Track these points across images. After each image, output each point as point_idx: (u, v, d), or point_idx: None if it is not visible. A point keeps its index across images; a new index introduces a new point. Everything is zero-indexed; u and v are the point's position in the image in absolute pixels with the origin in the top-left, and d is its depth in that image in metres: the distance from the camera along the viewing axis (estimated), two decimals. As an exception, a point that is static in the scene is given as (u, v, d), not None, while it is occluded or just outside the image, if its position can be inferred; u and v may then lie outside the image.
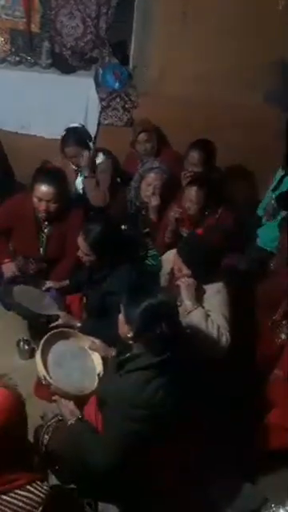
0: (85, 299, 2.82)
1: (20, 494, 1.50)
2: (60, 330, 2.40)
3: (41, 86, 3.80)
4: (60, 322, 2.58)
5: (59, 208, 2.88)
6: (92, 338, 2.38)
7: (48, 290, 2.91)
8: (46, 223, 2.96)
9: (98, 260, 2.58)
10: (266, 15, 3.49)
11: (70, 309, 2.79)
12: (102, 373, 2.26)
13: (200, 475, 2.29)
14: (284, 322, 2.57)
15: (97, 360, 2.32)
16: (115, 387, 1.89)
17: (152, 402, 1.81)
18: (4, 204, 3.08)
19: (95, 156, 3.39)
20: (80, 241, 2.56)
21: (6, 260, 3.06)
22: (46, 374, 2.15)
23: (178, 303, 2.36)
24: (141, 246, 3.30)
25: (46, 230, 2.98)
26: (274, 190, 3.34)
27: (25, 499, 1.50)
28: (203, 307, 2.45)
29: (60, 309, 2.68)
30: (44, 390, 2.40)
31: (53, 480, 2.04)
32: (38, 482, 1.54)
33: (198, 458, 2.29)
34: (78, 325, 2.58)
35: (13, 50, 3.87)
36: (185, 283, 2.45)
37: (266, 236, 3.33)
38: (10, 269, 3.01)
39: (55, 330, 2.37)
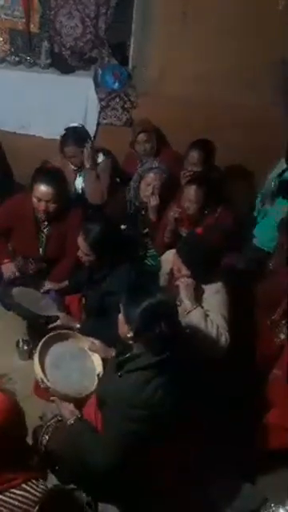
0: (84, 300, 2.82)
1: (16, 493, 1.51)
2: (58, 332, 2.39)
3: (40, 86, 3.81)
4: (59, 323, 2.58)
5: (58, 208, 2.88)
6: (91, 339, 2.37)
7: (47, 291, 2.91)
8: (46, 223, 2.96)
9: (97, 260, 2.58)
10: (266, 15, 3.49)
11: (69, 309, 2.79)
12: (101, 373, 2.25)
13: (200, 475, 2.29)
14: (283, 322, 2.57)
15: (97, 361, 2.32)
16: (115, 387, 1.89)
17: (151, 402, 1.81)
18: (3, 204, 3.08)
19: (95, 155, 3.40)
20: (80, 241, 2.56)
21: (6, 260, 3.06)
22: (43, 376, 2.14)
23: (178, 303, 2.36)
24: (140, 246, 3.30)
25: (45, 230, 2.98)
26: (278, 176, 3.29)
27: (20, 498, 1.51)
28: (202, 307, 2.45)
29: (59, 310, 2.68)
30: (43, 389, 2.40)
31: (53, 480, 2.03)
32: (34, 481, 1.55)
33: (197, 458, 2.28)
34: (78, 326, 2.58)
35: (12, 50, 3.88)
36: (184, 283, 2.45)
37: (264, 236, 3.33)
38: (9, 269, 3.02)
39: (53, 333, 2.35)
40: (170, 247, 2.90)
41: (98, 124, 3.90)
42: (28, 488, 1.52)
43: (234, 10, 3.49)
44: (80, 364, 2.30)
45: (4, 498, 1.49)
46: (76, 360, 2.31)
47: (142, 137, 3.56)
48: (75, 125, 3.42)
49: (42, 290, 2.89)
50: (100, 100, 3.84)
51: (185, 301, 2.43)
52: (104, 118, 3.90)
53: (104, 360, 2.30)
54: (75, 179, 3.46)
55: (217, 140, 3.45)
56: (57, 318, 2.61)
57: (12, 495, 1.50)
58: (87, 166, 3.36)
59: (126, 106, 3.86)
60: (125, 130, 3.83)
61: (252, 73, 3.68)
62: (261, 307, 2.71)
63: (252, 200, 3.64)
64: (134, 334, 1.86)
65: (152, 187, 3.18)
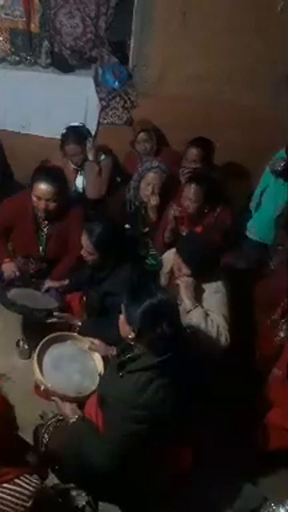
0: (85, 299, 2.81)
1: (8, 488, 1.51)
2: (57, 334, 2.38)
3: (40, 85, 3.81)
4: (57, 316, 2.57)
5: (58, 207, 2.87)
6: (91, 339, 2.37)
7: (47, 290, 2.90)
8: (46, 222, 2.96)
9: (101, 259, 2.56)
10: (266, 15, 3.49)
11: (70, 306, 2.78)
12: (102, 372, 2.25)
13: (200, 475, 2.28)
14: (283, 321, 2.57)
15: (98, 360, 2.32)
16: (116, 387, 1.88)
17: (152, 402, 1.80)
18: (3, 203, 3.07)
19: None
20: (84, 240, 2.54)
21: (6, 260, 3.05)
22: (41, 378, 2.14)
23: (178, 302, 2.36)
24: (142, 245, 3.30)
25: (45, 230, 2.98)
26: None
27: (13, 492, 1.51)
28: (202, 306, 2.45)
29: (59, 303, 2.67)
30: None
31: (53, 479, 2.03)
32: (27, 476, 1.55)
33: (197, 458, 2.28)
34: (79, 323, 2.58)
35: (12, 49, 3.88)
36: (184, 282, 2.45)
37: (262, 229, 3.34)
38: (9, 268, 3.00)
39: (52, 335, 2.35)
40: (170, 246, 2.90)
41: (99, 123, 3.90)
42: (21, 483, 1.53)
43: (233, 10, 3.50)
44: (80, 365, 2.29)
45: None
46: (76, 361, 2.30)
47: (142, 136, 3.56)
48: (76, 124, 3.42)
49: (42, 290, 2.89)
50: (100, 99, 3.85)
51: (185, 300, 2.43)
52: (104, 118, 3.90)
53: (104, 358, 2.30)
54: (75, 178, 3.46)
55: (216, 139, 3.45)
56: (57, 310, 2.59)
57: (4, 490, 1.51)
58: (90, 158, 3.37)
59: (126, 105, 3.87)
60: (125, 129, 3.84)
61: (252, 73, 3.69)
62: (261, 306, 2.71)
63: (249, 198, 3.63)
64: (135, 335, 1.85)
65: (152, 187, 3.18)
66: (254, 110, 3.75)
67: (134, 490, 2.03)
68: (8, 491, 1.51)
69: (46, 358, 2.23)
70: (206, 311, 2.43)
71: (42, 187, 2.79)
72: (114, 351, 2.23)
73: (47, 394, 2.20)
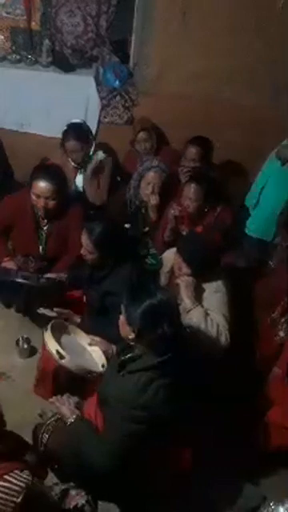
0: (85, 298, 2.81)
1: None
2: (63, 322, 2.46)
3: (41, 84, 3.81)
4: (58, 312, 2.60)
5: (58, 205, 2.86)
6: (91, 336, 2.39)
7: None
8: (45, 221, 2.95)
9: (101, 258, 2.56)
10: (266, 15, 3.49)
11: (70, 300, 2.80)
12: (105, 364, 2.29)
13: (200, 475, 2.27)
14: (283, 320, 2.57)
15: (97, 354, 2.36)
16: (116, 387, 1.87)
17: (153, 403, 1.80)
18: (3, 202, 3.07)
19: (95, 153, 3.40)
20: (84, 238, 2.54)
21: (6, 259, 3.04)
22: (59, 347, 2.20)
23: (178, 302, 2.35)
24: (142, 244, 3.30)
25: (45, 228, 2.97)
26: None
27: (2, 488, 1.50)
28: (202, 306, 2.45)
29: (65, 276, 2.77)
30: (43, 388, 2.40)
31: (53, 478, 2.03)
32: (18, 472, 1.54)
33: (197, 458, 2.27)
34: (78, 320, 2.58)
35: (13, 48, 3.88)
36: (184, 282, 2.45)
37: (261, 226, 3.34)
38: (9, 265, 2.99)
39: (57, 320, 2.43)
40: (170, 246, 2.90)
41: (99, 122, 3.90)
42: (10, 479, 1.52)
43: (233, 10, 3.50)
44: (87, 353, 2.38)
45: None
46: (83, 350, 2.39)
47: (141, 135, 3.56)
48: (77, 121, 3.41)
49: (41, 280, 2.90)
50: (101, 98, 3.84)
51: (185, 299, 2.43)
52: (105, 117, 3.90)
53: (105, 353, 2.33)
54: (75, 177, 3.45)
55: (216, 138, 3.45)
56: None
57: None
58: (87, 172, 3.40)
59: (126, 104, 3.86)
60: (126, 129, 3.83)
61: (252, 73, 3.69)
62: (261, 305, 2.71)
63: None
64: (135, 336, 1.85)
65: (152, 186, 3.18)
66: (254, 110, 3.75)
67: (134, 489, 2.03)
68: None
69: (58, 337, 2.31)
70: (206, 310, 2.43)
71: (41, 185, 2.79)
72: (114, 348, 2.23)
73: (47, 393, 2.21)
